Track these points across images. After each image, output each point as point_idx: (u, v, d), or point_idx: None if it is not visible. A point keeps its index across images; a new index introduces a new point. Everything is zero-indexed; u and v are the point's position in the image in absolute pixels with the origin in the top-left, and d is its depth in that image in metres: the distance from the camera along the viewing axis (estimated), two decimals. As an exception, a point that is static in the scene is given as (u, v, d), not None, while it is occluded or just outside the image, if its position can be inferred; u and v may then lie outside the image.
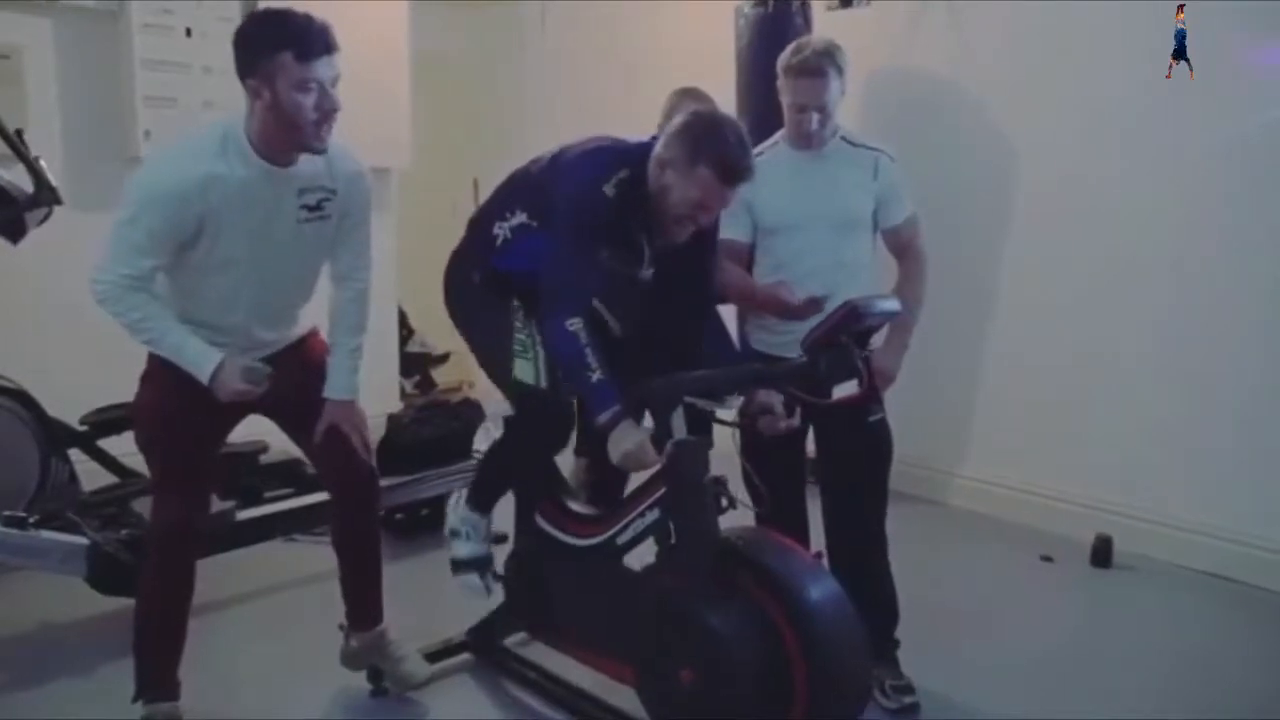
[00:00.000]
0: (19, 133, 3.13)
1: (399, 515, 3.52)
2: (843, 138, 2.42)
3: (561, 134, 2.31)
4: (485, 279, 2.20)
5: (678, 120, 2.01)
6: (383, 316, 4.96)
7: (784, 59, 2.33)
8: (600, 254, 2.04)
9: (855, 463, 2.40)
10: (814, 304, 2.26)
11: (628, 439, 1.87)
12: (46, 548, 2.57)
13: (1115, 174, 3.44)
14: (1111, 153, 3.44)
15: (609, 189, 1.97)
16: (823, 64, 2.28)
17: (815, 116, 2.31)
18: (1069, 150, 3.56)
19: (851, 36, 3.94)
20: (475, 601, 2.47)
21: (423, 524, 3.52)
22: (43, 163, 3.05)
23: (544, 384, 2.07)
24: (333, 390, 2.22)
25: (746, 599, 1.89)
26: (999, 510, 3.84)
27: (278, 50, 1.88)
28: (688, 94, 2.62)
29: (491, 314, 2.18)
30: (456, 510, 2.44)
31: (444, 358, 5.29)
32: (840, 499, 2.43)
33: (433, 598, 2.91)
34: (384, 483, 3.34)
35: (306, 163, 2.07)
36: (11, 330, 3.56)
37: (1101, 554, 3.39)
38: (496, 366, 2.18)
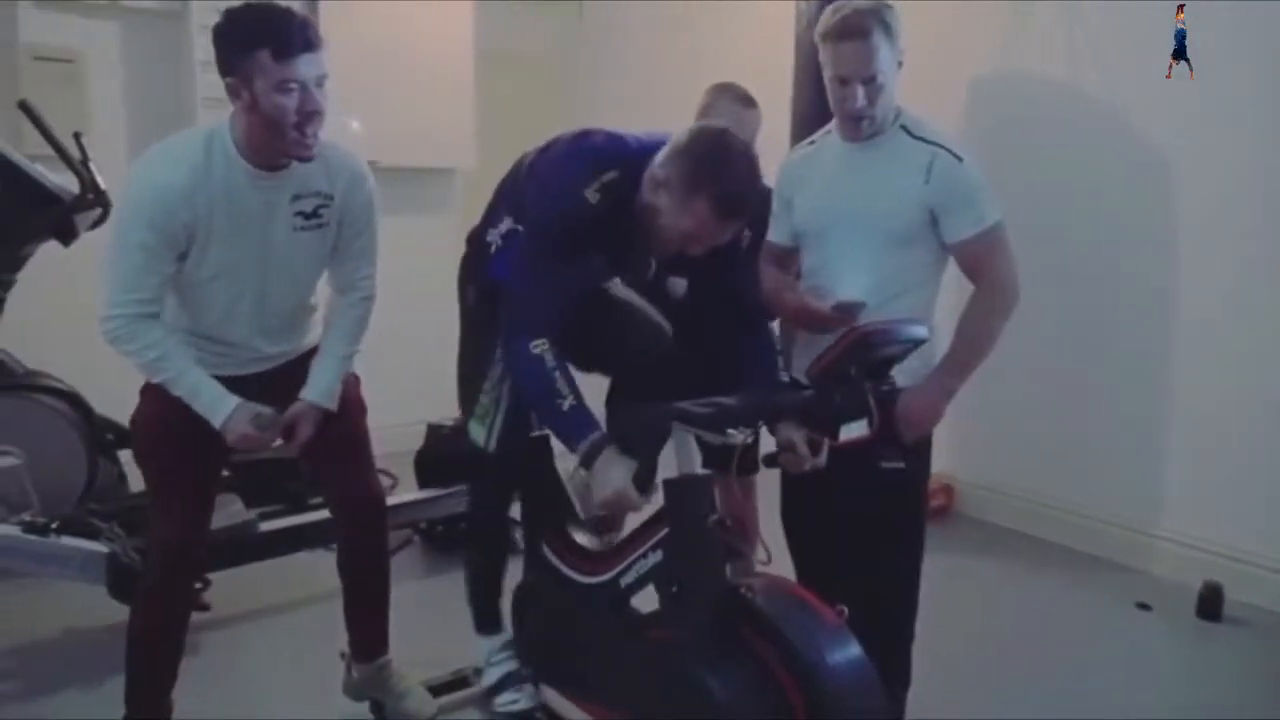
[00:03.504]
0: (77, 135, 3.16)
1: (439, 528, 3.42)
2: (902, 126, 1.97)
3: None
4: (480, 297, 2.05)
5: (680, 137, 1.76)
6: (446, 321, 4.89)
7: (821, 24, 1.95)
8: (593, 262, 1.84)
9: (861, 516, 2.02)
10: (846, 312, 1.91)
11: (609, 481, 1.67)
12: (66, 555, 2.55)
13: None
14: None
15: (591, 194, 1.75)
16: (866, 23, 1.85)
17: (860, 90, 1.88)
18: (1229, 162, 3.08)
19: (949, 38, 3.68)
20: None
21: (461, 539, 3.40)
22: (93, 166, 3.06)
23: (491, 448, 1.97)
24: (310, 392, 2.06)
25: (751, 658, 1.66)
26: (1087, 545, 3.47)
27: (254, 48, 1.74)
28: (725, 91, 2.34)
29: (475, 346, 2.04)
30: (480, 651, 2.35)
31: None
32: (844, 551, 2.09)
33: (458, 619, 2.77)
34: (421, 495, 3.30)
35: (302, 167, 1.93)
36: (67, 330, 3.60)
37: (1209, 604, 2.99)
38: (463, 403, 2.07)
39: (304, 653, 2.65)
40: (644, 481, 1.67)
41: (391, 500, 3.23)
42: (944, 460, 3.83)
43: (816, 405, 1.66)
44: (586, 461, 1.69)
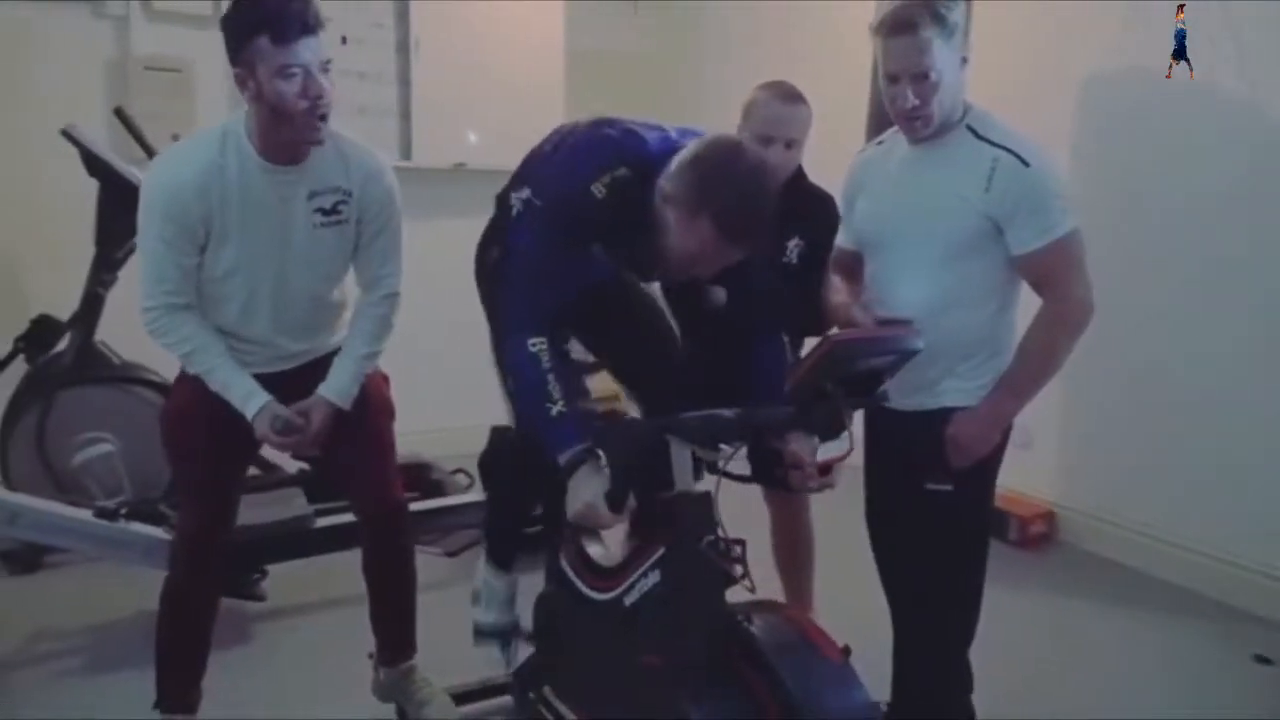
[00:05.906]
0: (175, 139, 3.33)
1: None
2: (968, 126, 1.82)
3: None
4: (503, 256, 1.97)
5: (688, 150, 1.65)
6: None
7: (875, 17, 1.82)
8: (600, 259, 1.76)
9: (907, 538, 1.91)
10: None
11: (579, 494, 1.58)
12: (130, 541, 2.67)
13: None
14: None
15: (598, 189, 1.66)
16: (916, 17, 1.70)
17: (910, 90, 1.74)
18: None
19: (1059, 35, 3.42)
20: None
21: (525, 542, 3.36)
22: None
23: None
24: (326, 388, 2.05)
25: (745, 694, 1.54)
26: (1202, 585, 3.13)
27: (254, 34, 1.75)
28: (768, 87, 2.16)
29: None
30: (480, 569, 2.23)
31: (597, 366, 5.13)
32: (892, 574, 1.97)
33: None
34: (485, 496, 3.28)
35: (319, 163, 1.94)
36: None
37: (1342, 662, 2.63)
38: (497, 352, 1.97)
39: (349, 648, 2.65)
40: (616, 498, 1.57)
41: (457, 500, 3.27)
42: (1047, 483, 3.55)
43: (791, 422, 1.51)
44: (566, 474, 1.61)
